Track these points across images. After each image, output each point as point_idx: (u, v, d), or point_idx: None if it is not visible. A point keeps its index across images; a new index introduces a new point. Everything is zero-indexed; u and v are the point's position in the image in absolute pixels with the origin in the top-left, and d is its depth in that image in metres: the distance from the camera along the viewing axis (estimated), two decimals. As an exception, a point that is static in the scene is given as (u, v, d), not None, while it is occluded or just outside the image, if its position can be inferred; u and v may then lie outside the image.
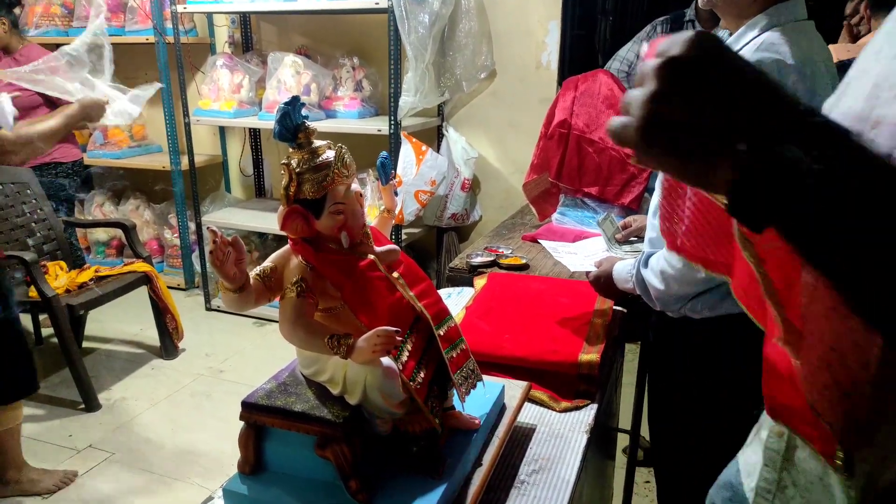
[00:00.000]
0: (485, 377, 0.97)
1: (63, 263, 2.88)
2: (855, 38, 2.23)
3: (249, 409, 0.84)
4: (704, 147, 0.44)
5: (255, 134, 3.93)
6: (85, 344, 3.20)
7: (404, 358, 0.82)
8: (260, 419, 0.84)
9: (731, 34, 1.23)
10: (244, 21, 3.73)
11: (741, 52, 1.10)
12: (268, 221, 3.44)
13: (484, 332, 1.33)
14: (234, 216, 3.60)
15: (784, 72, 1.09)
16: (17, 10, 3.15)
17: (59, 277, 2.74)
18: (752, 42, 1.15)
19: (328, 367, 0.84)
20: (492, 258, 1.87)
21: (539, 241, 2.03)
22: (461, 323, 1.35)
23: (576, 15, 3.27)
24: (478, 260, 1.85)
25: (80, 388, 2.65)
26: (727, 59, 0.44)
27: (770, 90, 0.44)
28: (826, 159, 0.41)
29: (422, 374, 0.84)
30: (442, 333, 0.87)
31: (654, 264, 1.26)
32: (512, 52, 3.18)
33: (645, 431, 1.87)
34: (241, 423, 0.85)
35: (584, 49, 4.29)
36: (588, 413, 1.17)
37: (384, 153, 0.97)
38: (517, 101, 3.22)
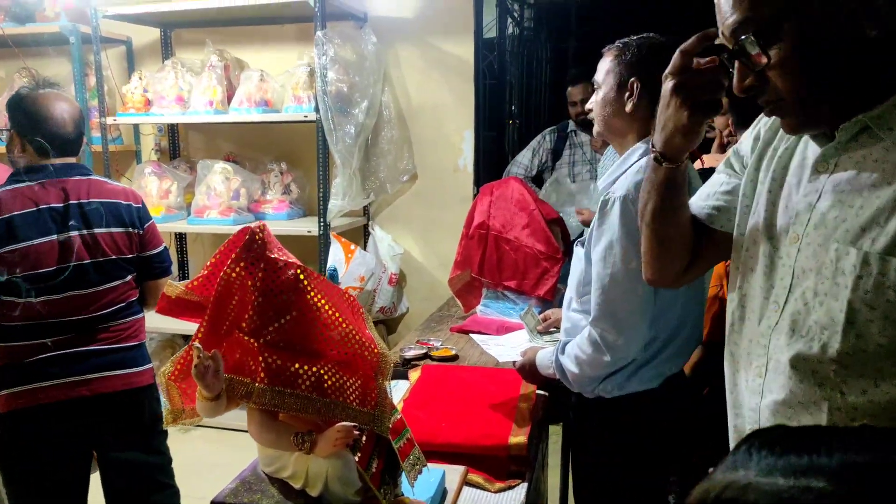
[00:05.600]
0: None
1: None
2: (724, 147, 2.63)
3: (217, 507, 0.93)
4: None
5: (181, 237, 3.97)
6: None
7: (359, 451, 0.93)
8: (227, 517, 0.92)
9: (618, 154, 1.50)
10: (171, 129, 3.85)
11: (628, 172, 1.36)
12: (191, 324, 3.42)
13: (422, 421, 1.44)
14: (158, 318, 3.56)
15: None
16: None
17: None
18: (633, 165, 1.40)
19: (290, 464, 0.94)
20: (424, 351, 2.01)
21: (470, 334, 2.20)
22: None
23: (488, 120, 3.64)
24: (410, 353, 1.99)
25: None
26: None
27: None
28: None
29: (375, 464, 0.95)
30: (390, 426, 1.00)
31: (569, 350, 1.44)
32: (431, 157, 3.45)
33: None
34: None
35: (495, 152, 4.75)
36: (520, 492, 1.29)
37: (331, 266, 1.12)
38: (438, 201, 3.47)
